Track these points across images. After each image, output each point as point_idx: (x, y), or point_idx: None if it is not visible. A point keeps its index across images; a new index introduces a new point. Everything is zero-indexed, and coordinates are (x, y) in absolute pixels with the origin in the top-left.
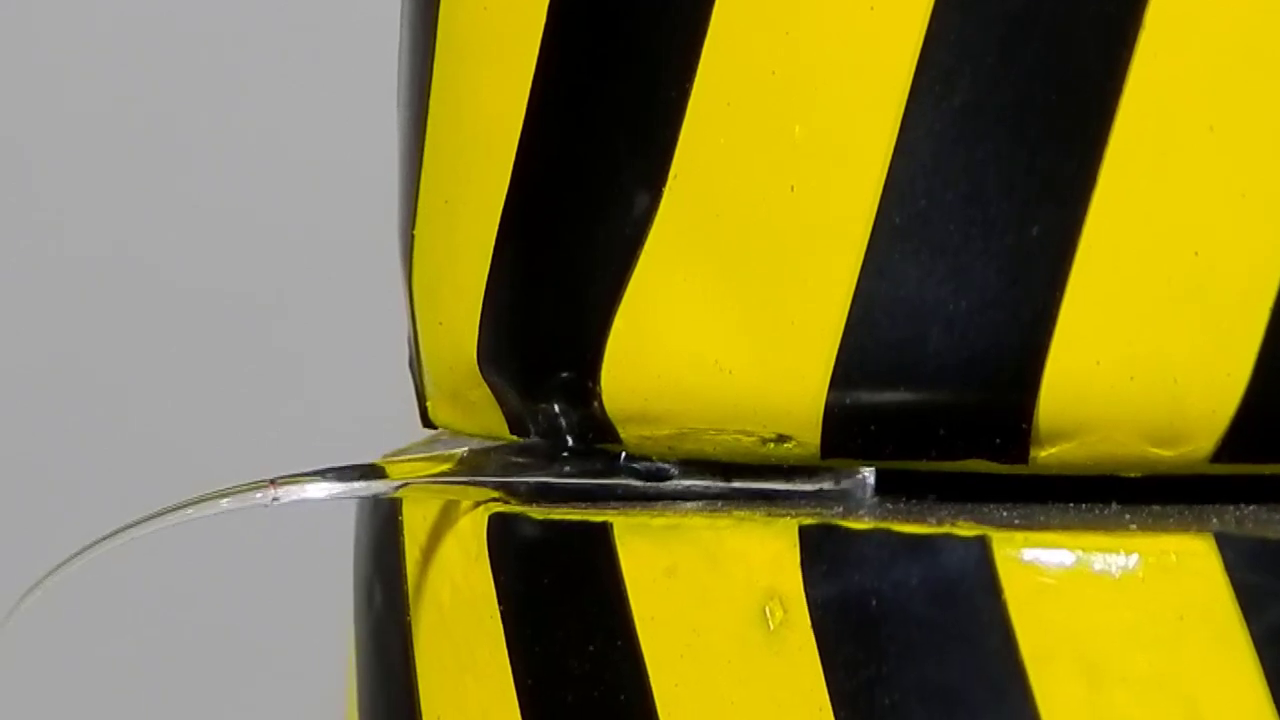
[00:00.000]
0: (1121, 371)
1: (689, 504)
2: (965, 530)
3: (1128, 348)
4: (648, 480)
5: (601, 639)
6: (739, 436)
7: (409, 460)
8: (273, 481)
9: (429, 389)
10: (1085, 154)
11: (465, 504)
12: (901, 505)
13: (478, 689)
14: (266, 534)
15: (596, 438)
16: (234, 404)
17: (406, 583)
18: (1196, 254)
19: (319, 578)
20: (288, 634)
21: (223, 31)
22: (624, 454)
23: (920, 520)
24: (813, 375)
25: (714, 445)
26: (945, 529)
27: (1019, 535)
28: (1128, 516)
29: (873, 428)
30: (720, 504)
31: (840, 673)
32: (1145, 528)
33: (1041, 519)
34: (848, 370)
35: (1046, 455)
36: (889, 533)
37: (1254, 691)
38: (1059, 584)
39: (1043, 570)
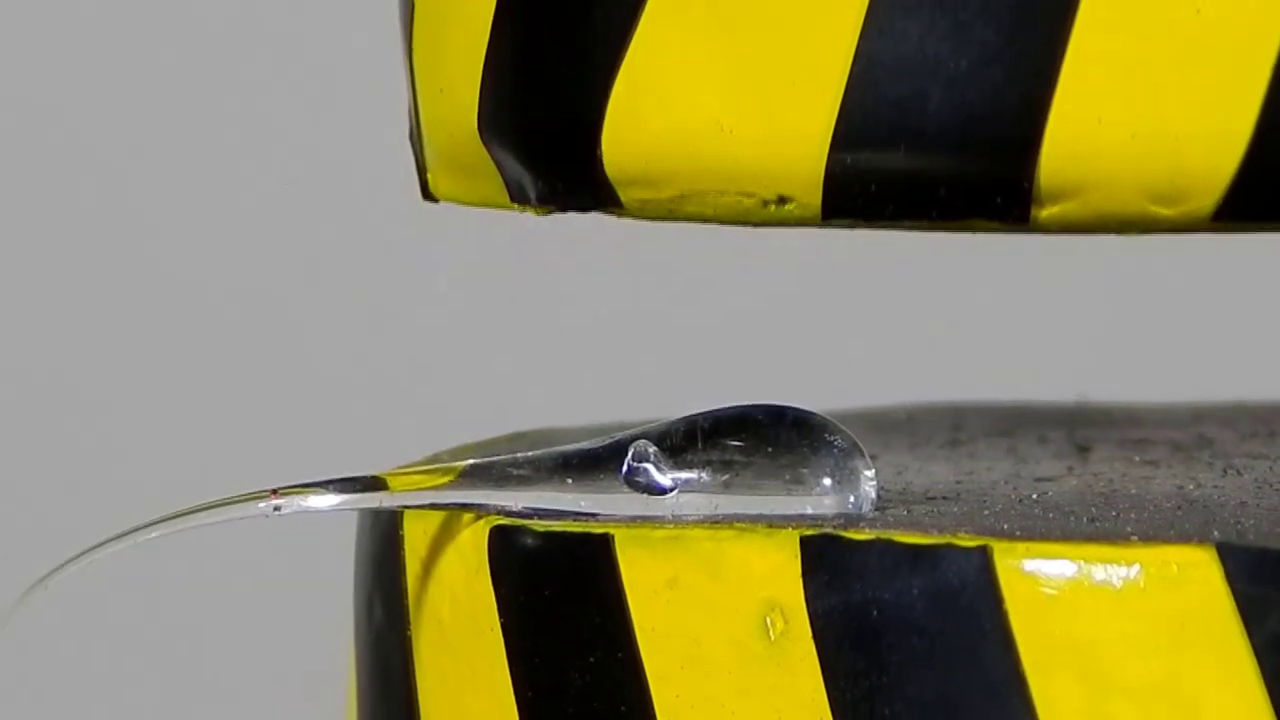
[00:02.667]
0: (1123, 129)
1: (689, 514)
2: (966, 541)
3: (1129, 105)
4: (649, 494)
5: (602, 650)
6: (740, 198)
7: (410, 473)
8: (275, 491)
9: (429, 160)
10: None
11: (466, 516)
12: (903, 515)
13: (478, 702)
14: (266, 547)
15: (597, 202)
16: (236, 414)
17: (407, 596)
18: (1199, 11)
19: (318, 591)
20: (287, 647)
21: (224, 32)
22: (625, 468)
23: (921, 530)
24: (814, 135)
25: (715, 207)
26: (946, 539)
27: (1020, 546)
28: (1129, 527)
29: (873, 188)
30: (720, 516)
31: (841, 683)
32: (1146, 538)
33: (1042, 529)
34: (849, 130)
35: (1048, 215)
36: (890, 543)
37: (1255, 701)
38: (1060, 594)
39: (1044, 580)
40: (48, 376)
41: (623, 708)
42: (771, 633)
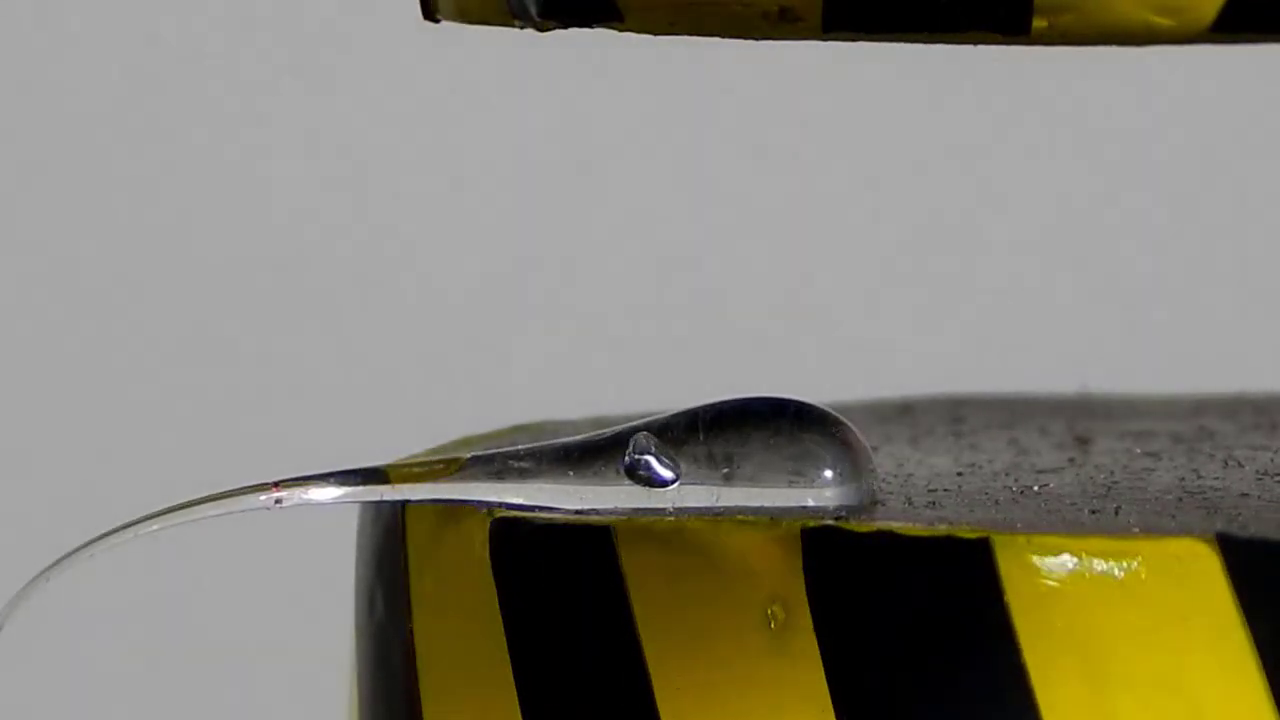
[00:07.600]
0: None
1: (690, 507)
2: (967, 533)
3: None
4: (650, 486)
5: (603, 643)
6: (740, 10)
7: (412, 465)
8: (276, 484)
9: None
10: None
11: (468, 509)
12: (904, 507)
13: (479, 694)
14: (266, 539)
15: (598, 15)
16: (237, 406)
17: (409, 588)
18: None
19: (319, 583)
20: (289, 640)
21: (231, 33)
22: (626, 460)
23: (923, 522)
24: None
25: (715, 20)
26: (947, 531)
27: (1021, 538)
28: (1130, 519)
29: None
30: (722, 508)
31: (843, 675)
32: (1147, 530)
33: (1044, 522)
34: None
35: (1047, 25)
36: (891, 535)
37: (1256, 693)
38: (1061, 586)
39: (1045, 573)
40: (47, 363)
41: (624, 700)
42: (773, 625)
